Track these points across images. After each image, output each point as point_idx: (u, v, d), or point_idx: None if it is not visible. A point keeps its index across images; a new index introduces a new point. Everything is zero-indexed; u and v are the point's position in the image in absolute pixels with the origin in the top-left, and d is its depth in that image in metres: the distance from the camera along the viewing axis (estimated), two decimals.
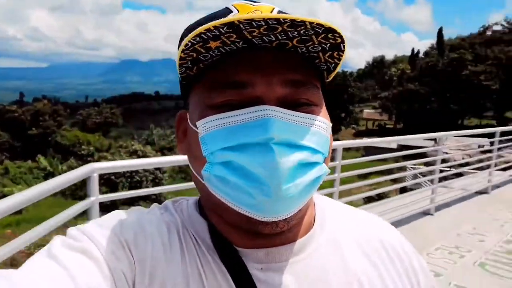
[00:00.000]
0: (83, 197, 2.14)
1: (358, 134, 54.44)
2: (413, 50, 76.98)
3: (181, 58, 0.46)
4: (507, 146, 7.34)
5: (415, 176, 8.80)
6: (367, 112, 65.81)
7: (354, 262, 0.56)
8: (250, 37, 0.44)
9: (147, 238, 0.50)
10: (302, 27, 0.43)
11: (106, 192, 2.83)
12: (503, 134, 6.79)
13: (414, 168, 8.35)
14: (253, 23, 0.41)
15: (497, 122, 40.00)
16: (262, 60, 0.47)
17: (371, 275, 0.56)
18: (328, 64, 0.51)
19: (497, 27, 45.67)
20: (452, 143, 8.83)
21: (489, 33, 46.20)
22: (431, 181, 5.34)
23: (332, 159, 3.85)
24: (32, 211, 18.05)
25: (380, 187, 5.35)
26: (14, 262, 5.70)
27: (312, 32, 0.44)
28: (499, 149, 6.72)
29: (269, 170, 0.43)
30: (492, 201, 5.97)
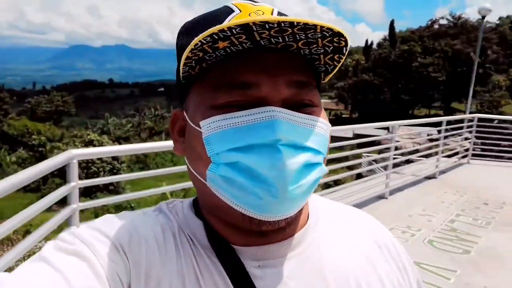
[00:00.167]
0: (47, 192, 2.17)
1: None
2: (367, 41, 79.35)
3: (187, 58, 0.45)
4: (452, 135, 7.91)
5: (370, 163, 9.31)
6: (324, 102, 66.68)
7: (349, 257, 0.57)
8: (259, 39, 0.44)
9: (142, 240, 0.50)
10: (312, 31, 0.43)
11: (59, 185, 2.86)
12: (449, 123, 7.33)
13: (369, 156, 8.81)
14: (266, 25, 0.42)
15: (444, 112, 42.42)
16: (268, 61, 0.47)
17: (365, 269, 0.57)
18: (327, 66, 0.52)
19: (443, 21, 48.07)
20: (404, 132, 9.35)
21: (436, 26, 48.49)
22: (385, 167, 5.71)
23: None
24: None
25: (337, 174, 5.60)
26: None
27: (320, 35, 0.45)
28: (445, 137, 7.26)
29: (277, 171, 0.44)
30: (439, 185, 6.48)
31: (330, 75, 0.54)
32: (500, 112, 34.76)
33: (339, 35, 0.44)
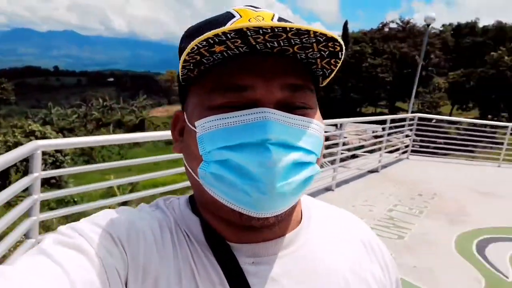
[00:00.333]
0: None
1: None
2: None
3: (185, 61, 0.47)
4: (395, 132, 8.49)
5: None
6: None
7: (339, 256, 0.59)
8: (254, 43, 0.45)
9: (140, 234, 0.51)
10: (306, 36, 0.45)
11: None
12: (392, 121, 7.87)
13: None
14: (260, 30, 0.43)
15: (389, 110, 44.55)
16: (263, 65, 0.48)
17: (354, 268, 0.59)
18: (324, 70, 0.53)
19: (393, 25, 50.44)
20: (351, 129, 9.84)
21: (386, 29, 50.73)
22: (333, 161, 6.08)
23: None
24: None
25: None
26: None
27: (314, 40, 0.46)
28: (388, 134, 7.79)
29: (265, 169, 0.45)
30: (381, 178, 7.00)
31: (328, 79, 0.56)
32: (438, 112, 37.20)
33: (333, 40, 0.46)
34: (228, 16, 0.52)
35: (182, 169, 3.74)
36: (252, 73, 0.48)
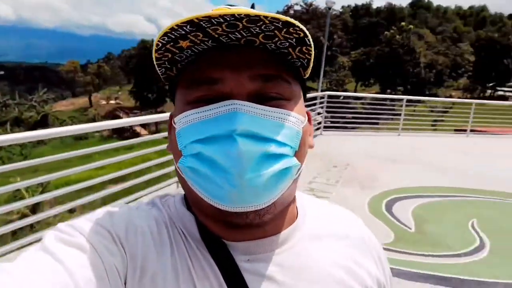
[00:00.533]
0: None
1: None
2: None
3: (157, 59, 0.48)
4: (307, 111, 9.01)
5: None
6: None
7: (334, 253, 0.59)
8: (216, 36, 0.46)
9: (138, 233, 0.51)
10: (261, 22, 0.44)
11: None
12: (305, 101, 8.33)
13: None
14: (213, 20, 0.43)
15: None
16: (231, 56, 0.48)
17: (349, 264, 0.59)
18: (301, 60, 0.52)
19: (298, 7, 52.35)
20: None
21: (291, 12, 52.43)
22: None
23: None
24: None
25: None
26: None
27: (273, 27, 0.45)
28: None
29: (232, 160, 0.44)
30: None
31: (309, 69, 0.55)
32: (344, 89, 40.02)
33: (292, 25, 0.45)
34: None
35: (97, 164, 3.63)
36: (220, 66, 0.48)
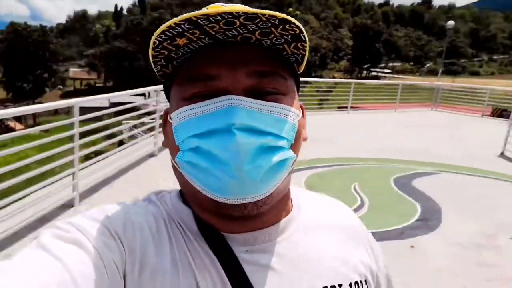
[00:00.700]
0: None
1: (66, 95, 50.06)
2: (116, 6, 76.31)
3: (153, 56, 0.49)
4: None
5: (131, 129, 9.48)
6: (74, 71, 61.57)
7: (329, 240, 0.60)
8: (213, 33, 0.47)
9: (136, 228, 0.51)
10: (258, 20, 0.45)
11: None
12: None
13: (129, 122, 9.00)
14: (211, 18, 0.44)
15: None
16: (227, 53, 0.49)
17: (343, 253, 0.60)
18: (296, 55, 0.53)
19: None
20: (154, 97, 9.82)
21: None
22: (152, 128, 6.22)
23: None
24: None
25: (97, 145, 5.16)
26: None
27: (269, 24, 0.46)
28: None
29: (232, 152, 0.46)
30: None
31: (303, 65, 0.56)
32: None
33: (288, 22, 0.46)
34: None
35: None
36: (217, 62, 0.49)
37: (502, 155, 7.07)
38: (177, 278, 0.49)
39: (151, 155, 5.99)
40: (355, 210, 4.24)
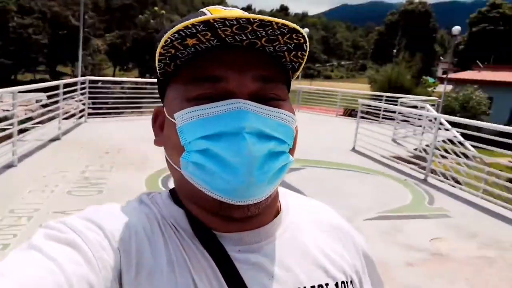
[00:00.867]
0: None
1: None
2: None
3: (160, 54, 0.48)
4: (68, 97, 8.37)
5: None
6: None
7: (316, 241, 0.62)
8: (223, 36, 0.47)
9: (130, 229, 0.51)
10: (269, 27, 0.47)
11: None
12: (64, 87, 7.73)
13: None
14: (226, 22, 0.45)
15: (50, 76, 41.64)
16: (235, 57, 0.50)
17: (329, 252, 0.61)
18: (293, 63, 0.55)
19: None
20: (9, 100, 8.82)
21: None
22: (9, 136, 5.53)
23: None
24: None
25: None
26: None
27: (278, 32, 0.48)
28: (58, 101, 7.53)
29: (242, 157, 0.47)
30: (65, 144, 6.97)
31: (297, 72, 0.58)
32: (103, 74, 38.17)
33: (296, 31, 0.48)
34: (199, 14, 0.54)
35: None
36: (225, 65, 0.50)
37: (353, 149, 8.23)
38: (174, 277, 0.50)
39: (10, 165, 5.34)
40: None
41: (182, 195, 0.57)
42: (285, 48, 0.52)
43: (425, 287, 3.27)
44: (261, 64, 0.52)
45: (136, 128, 8.71)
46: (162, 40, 0.46)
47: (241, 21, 0.45)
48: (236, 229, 0.55)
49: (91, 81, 9.42)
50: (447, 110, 18.79)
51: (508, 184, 5.58)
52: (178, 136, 0.51)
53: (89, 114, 9.41)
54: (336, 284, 0.58)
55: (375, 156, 7.57)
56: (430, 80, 28.74)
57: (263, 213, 0.56)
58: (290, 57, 0.54)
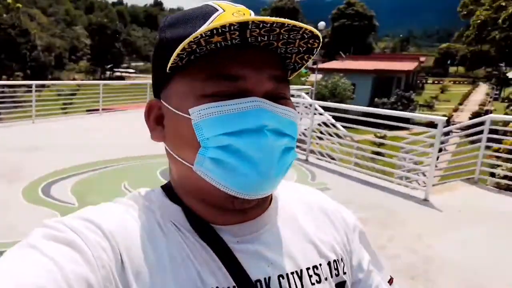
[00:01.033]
0: None
1: None
2: None
3: (183, 49, 0.47)
4: None
5: None
6: None
7: (307, 223, 0.64)
8: (248, 36, 0.48)
9: (129, 228, 0.51)
10: (295, 32, 0.48)
11: None
12: None
13: None
14: (261, 24, 0.46)
15: None
16: (253, 57, 0.51)
17: (319, 234, 0.63)
18: (296, 64, 0.56)
19: None
20: None
21: None
22: None
23: None
24: None
25: None
26: None
27: (299, 36, 0.49)
28: None
29: (264, 153, 0.49)
30: None
31: (296, 73, 0.59)
32: None
33: (316, 37, 0.50)
34: (211, 9, 0.53)
35: None
36: (244, 64, 0.50)
37: None
38: (178, 273, 0.51)
39: None
40: None
41: (182, 191, 0.57)
42: (296, 50, 0.53)
43: None
44: (274, 64, 0.53)
45: (5, 135, 7.75)
46: (192, 35, 0.45)
47: (275, 25, 0.46)
48: (235, 221, 0.56)
49: None
50: (319, 97, 20.75)
51: (373, 156, 6.48)
52: (191, 131, 0.50)
53: None
54: (329, 263, 0.61)
55: None
56: (303, 70, 31.21)
57: (262, 203, 0.58)
58: (296, 59, 0.56)
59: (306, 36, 0.49)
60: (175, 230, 0.54)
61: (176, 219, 0.55)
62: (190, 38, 0.45)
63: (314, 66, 24.19)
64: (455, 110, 32.61)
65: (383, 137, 9.09)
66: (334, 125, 7.96)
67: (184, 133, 0.52)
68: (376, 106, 21.91)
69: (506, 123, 7.56)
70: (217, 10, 0.53)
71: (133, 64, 77.76)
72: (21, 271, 0.41)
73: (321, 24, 20.79)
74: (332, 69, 27.84)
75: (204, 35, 0.45)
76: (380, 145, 10.77)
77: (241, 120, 0.49)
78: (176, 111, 0.52)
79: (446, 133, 5.90)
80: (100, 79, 49.66)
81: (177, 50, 0.46)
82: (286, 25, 0.46)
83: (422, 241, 3.94)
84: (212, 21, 0.51)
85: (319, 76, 25.01)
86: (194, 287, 0.50)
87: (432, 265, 3.44)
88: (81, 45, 56.85)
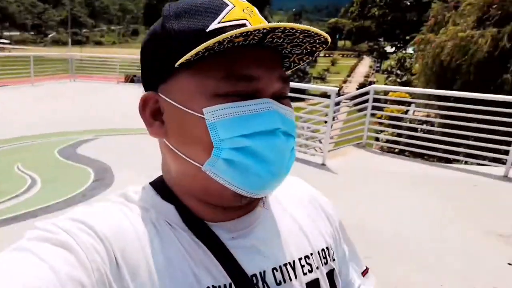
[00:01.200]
0: None
1: None
2: None
3: (204, 48, 0.45)
4: None
5: None
6: None
7: (296, 214, 0.66)
8: (267, 39, 0.48)
9: (124, 229, 0.50)
10: (310, 37, 0.48)
11: None
12: None
13: None
14: (286, 30, 0.46)
15: None
16: (266, 57, 0.51)
17: (308, 223, 0.65)
18: (292, 63, 0.57)
19: None
20: None
21: None
22: None
23: None
24: None
25: None
26: None
27: (312, 41, 0.50)
28: None
29: (277, 154, 0.50)
30: None
31: (288, 71, 0.59)
32: None
33: (326, 43, 0.50)
34: (221, 4, 0.51)
35: None
36: (259, 64, 0.50)
37: None
38: (174, 273, 0.50)
39: None
40: (28, 189, 4.11)
41: (181, 188, 0.56)
42: (299, 51, 0.54)
43: None
44: (280, 64, 0.55)
45: None
46: (224, 35, 0.43)
47: (298, 31, 0.47)
48: (229, 218, 0.57)
49: None
50: None
51: None
52: (204, 131, 0.49)
53: None
54: (319, 253, 0.64)
55: None
56: None
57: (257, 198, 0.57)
58: (295, 59, 0.56)
59: (318, 41, 0.50)
60: (169, 229, 0.54)
61: (170, 218, 0.55)
62: (219, 38, 0.43)
63: None
64: (344, 81, 35.52)
65: None
66: None
67: (194, 132, 0.50)
68: None
69: (386, 93, 8.56)
70: (228, 5, 0.51)
71: (6, 33, 68.28)
72: (15, 274, 0.40)
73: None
74: None
75: (234, 36, 0.44)
76: None
77: (256, 121, 0.49)
78: (184, 109, 0.50)
79: (337, 103, 6.45)
80: None
81: (199, 48, 0.44)
82: (310, 32, 0.47)
83: None
84: (224, 16, 0.49)
85: None
86: (190, 287, 0.51)
87: None
88: None
